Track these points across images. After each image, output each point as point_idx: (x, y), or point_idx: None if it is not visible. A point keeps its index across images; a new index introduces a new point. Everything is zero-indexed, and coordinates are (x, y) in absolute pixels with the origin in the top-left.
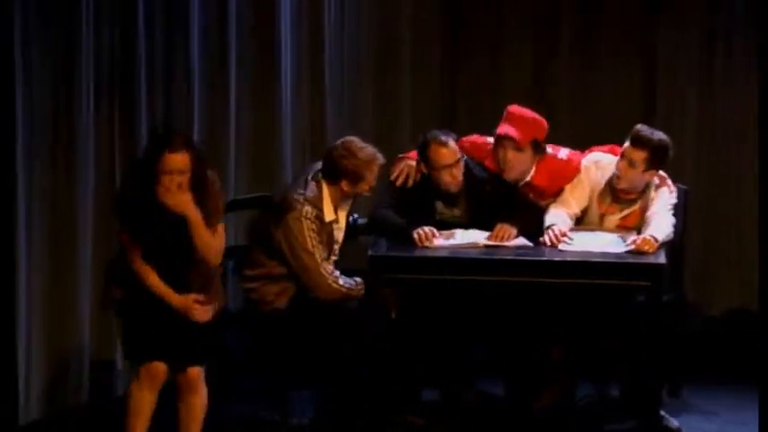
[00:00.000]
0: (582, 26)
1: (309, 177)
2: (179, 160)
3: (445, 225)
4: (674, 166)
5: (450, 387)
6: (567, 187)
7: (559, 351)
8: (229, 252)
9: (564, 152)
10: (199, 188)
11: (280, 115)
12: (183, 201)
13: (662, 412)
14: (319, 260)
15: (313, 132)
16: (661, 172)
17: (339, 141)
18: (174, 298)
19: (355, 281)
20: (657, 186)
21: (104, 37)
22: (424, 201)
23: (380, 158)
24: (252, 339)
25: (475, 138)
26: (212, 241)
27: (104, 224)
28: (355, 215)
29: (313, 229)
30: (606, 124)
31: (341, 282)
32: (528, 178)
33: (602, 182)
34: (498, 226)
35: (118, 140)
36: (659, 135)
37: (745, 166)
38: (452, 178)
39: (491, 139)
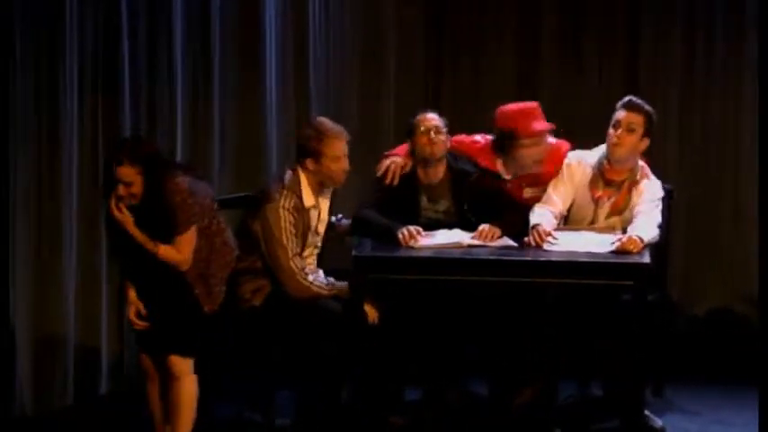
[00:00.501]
0: (564, 28)
1: (288, 168)
2: (125, 173)
3: (429, 221)
4: (658, 167)
5: (433, 387)
6: (551, 186)
7: (541, 350)
8: None
9: (552, 140)
10: (151, 200)
11: (264, 117)
12: (122, 219)
13: (645, 412)
14: (290, 254)
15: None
16: (643, 163)
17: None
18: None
19: (330, 281)
20: (642, 176)
21: (88, 39)
22: (408, 197)
23: (343, 134)
24: (231, 338)
25: (462, 137)
26: (168, 253)
27: (89, 225)
28: (339, 215)
29: (290, 221)
30: (589, 126)
31: (310, 278)
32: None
33: (589, 172)
34: (482, 226)
35: (101, 143)
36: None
37: (728, 166)
38: (432, 142)
39: (478, 138)
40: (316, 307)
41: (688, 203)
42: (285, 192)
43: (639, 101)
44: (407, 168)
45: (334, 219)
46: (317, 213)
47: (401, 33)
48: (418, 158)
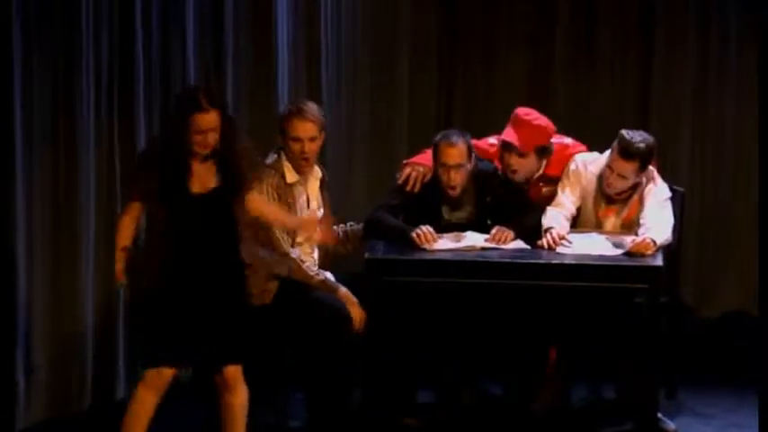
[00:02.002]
0: (577, 29)
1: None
2: (210, 120)
3: (451, 229)
4: (670, 169)
5: (447, 388)
6: (560, 188)
7: (556, 353)
8: None
9: (568, 140)
10: (227, 149)
11: (276, 117)
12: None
13: (658, 414)
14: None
15: None
16: (651, 167)
17: None
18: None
19: (320, 273)
20: (647, 180)
21: (103, 41)
22: (430, 204)
23: (306, 116)
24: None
25: (476, 142)
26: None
27: (106, 225)
28: (351, 222)
29: (273, 197)
30: (602, 127)
31: (300, 259)
32: (540, 173)
33: (594, 180)
34: (495, 229)
35: (117, 142)
36: (645, 139)
37: (742, 166)
38: (449, 180)
39: (492, 140)
40: (323, 305)
41: (701, 204)
42: (268, 170)
43: (635, 142)
44: (428, 177)
45: (346, 226)
46: (302, 190)
47: (414, 35)
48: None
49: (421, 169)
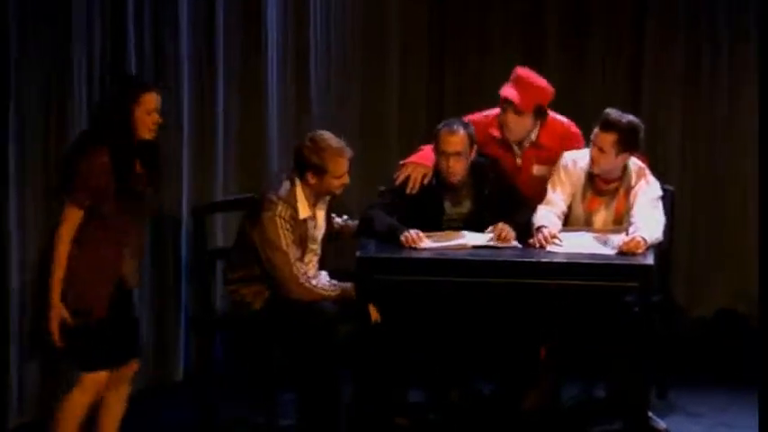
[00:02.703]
0: (568, 27)
1: (284, 176)
2: (156, 100)
3: (452, 224)
4: (661, 167)
5: (436, 388)
6: (550, 187)
7: (547, 352)
8: (218, 253)
9: (563, 118)
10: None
11: (266, 115)
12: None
13: (649, 414)
14: (292, 260)
15: (299, 133)
16: (641, 163)
17: (307, 134)
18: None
19: (333, 284)
20: (638, 177)
21: (95, 37)
22: (432, 202)
23: (346, 151)
24: (235, 341)
25: (470, 117)
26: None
27: None
28: (345, 216)
29: (287, 228)
30: (592, 124)
31: (313, 282)
32: (533, 138)
33: (583, 176)
34: (500, 225)
35: None
36: (628, 117)
37: (732, 165)
38: (448, 168)
39: (488, 112)
40: (315, 309)
41: (692, 204)
42: (281, 202)
43: (615, 115)
44: (429, 176)
45: (340, 220)
46: (313, 224)
47: (405, 29)
48: (438, 169)
49: (421, 169)
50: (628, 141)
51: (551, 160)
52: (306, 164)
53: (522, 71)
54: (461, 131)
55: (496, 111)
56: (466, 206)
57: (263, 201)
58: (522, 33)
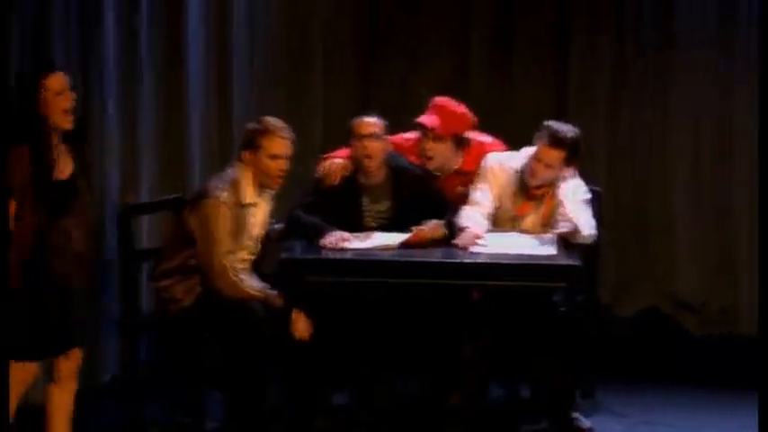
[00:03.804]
0: (495, 35)
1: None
2: (65, 80)
3: (374, 221)
4: (588, 170)
5: (361, 388)
6: (476, 188)
7: (471, 351)
8: (144, 255)
9: (487, 138)
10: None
11: (189, 119)
12: None
13: (574, 413)
14: (223, 250)
15: (221, 134)
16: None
17: None
18: None
19: (263, 286)
20: (564, 178)
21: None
22: (350, 199)
23: (284, 132)
24: (162, 342)
25: (389, 138)
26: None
27: None
28: (272, 220)
29: (227, 217)
30: (519, 132)
31: (241, 277)
32: (456, 167)
33: (512, 178)
34: (433, 223)
35: None
36: (571, 130)
37: (657, 170)
38: (365, 149)
39: (407, 135)
40: (241, 310)
41: (617, 207)
42: (225, 187)
43: (562, 132)
44: (348, 170)
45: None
46: (254, 213)
47: (330, 36)
48: (356, 162)
49: (340, 161)
50: (573, 155)
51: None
52: (246, 141)
53: (441, 100)
54: (374, 118)
55: (417, 135)
56: (385, 204)
57: (206, 189)
58: (448, 41)
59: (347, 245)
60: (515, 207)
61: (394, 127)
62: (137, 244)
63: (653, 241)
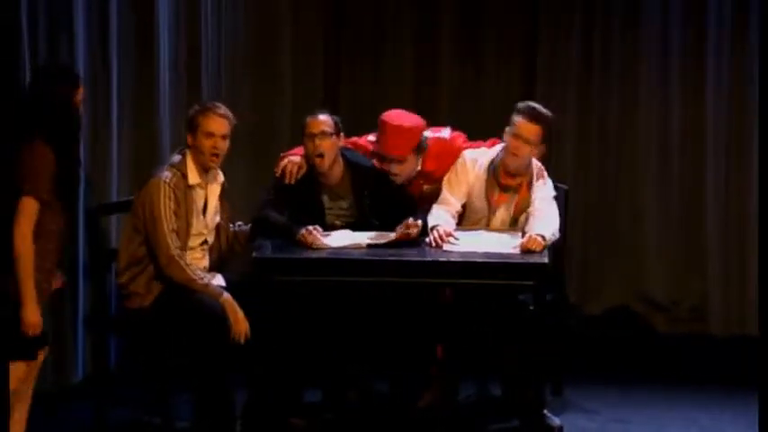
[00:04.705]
0: (462, 29)
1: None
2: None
3: (334, 222)
4: (555, 166)
5: (332, 387)
6: (446, 186)
7: (442, 350)
8: (113, 254)
9: (446, 132)
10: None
11: (158, 119)
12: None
13: (544, 411)
14: (167, 229)
15: None
16: (538, 162)
17: None
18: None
19: (206, 276)
20: (538, 176)
21: None
22: (310, 197)
23: (220, 110)
24: (128, 341)
25: (356, 139)
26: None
27: None
28: (239, 222)
29: (170, 197)
30: (487, 127)
31: (186, 260)
32: (418, 169)
33: (483, 175)
34: (410, 221)
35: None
36: (544, 109)
37: (625, 165)
38: (314, 148)
39: (372, 137)
40: (201, 306)
41: (585, 203)
42: (169, 168)
43: (539, 108)
44: (304, 169)
45: (233, 227)
46: (203, 194)
47: (297, 33)
48: (309, 160)
49: (296, 159)
50: (548, 133)
51: (434, 180)
52: (187, 124)
53: (390, 118)
54: (324, 116)
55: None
56: (346, 202)
57: (154, 173)
58: (416, 37)
59: (320, 243)
60: (492, 198)
61: (365, 123)
62: (106, 243)
63: (623, 238)
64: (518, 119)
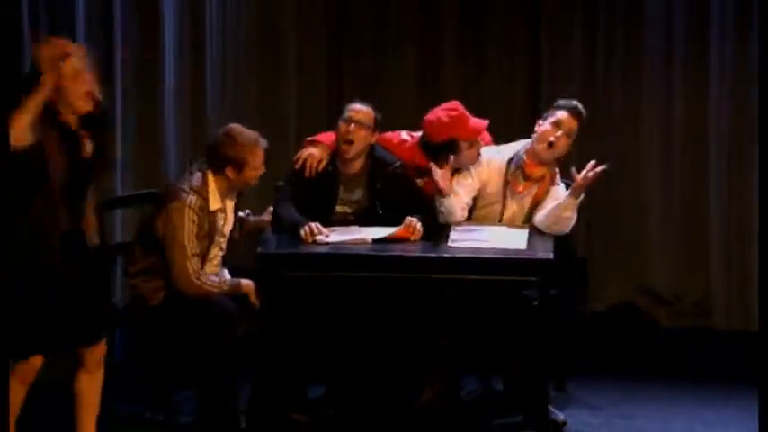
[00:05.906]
0: (465, 29)
1: (195, 168)
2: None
3: (341, 217)
4: (560, 165)
5: (335, 383)
6: (457, 178)
7: (445, 346)
8: (117, 249)
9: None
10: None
11: (163, 113)
12: None
13: (548, 406)
14: (188, 254)
15: (195, 131)
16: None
17: (220, 130)
18: None
19: (226, 282)
20: (555, 183)
21: None
22: (326, 187)
23: (263, 142)
24: (134, 337)
25: (390, 136)
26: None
27: None
28: (247, 211)
29: (193, 221)
30: (490, 124)
31: (203, 279)
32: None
33: (503, 165)
34: (409, 219)
35: None
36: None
37: (629, 162)
38: (347, 133)
39: (405, 136)
40: (210, 306)
41: (589, 199)
42: (192, 193)
43: (582, 108)
44: (324, 162)
45: (242, 214)
46: (222, 216)
47: (301, 34)
48: (336, 145)
49: (316, 154)
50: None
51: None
52: (223, 159)
53: (444, 111)
54: (368, 108)
55: (412, 137)
56: (357, 194)
57: (173, 191)
58: (419, 36)
59: (322, 238)
60: (515, 187)
61: None
62: (110, 238)
63: (627, 234)
64: (561, 113)
